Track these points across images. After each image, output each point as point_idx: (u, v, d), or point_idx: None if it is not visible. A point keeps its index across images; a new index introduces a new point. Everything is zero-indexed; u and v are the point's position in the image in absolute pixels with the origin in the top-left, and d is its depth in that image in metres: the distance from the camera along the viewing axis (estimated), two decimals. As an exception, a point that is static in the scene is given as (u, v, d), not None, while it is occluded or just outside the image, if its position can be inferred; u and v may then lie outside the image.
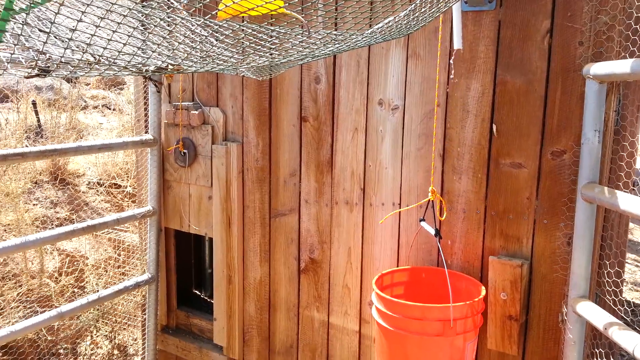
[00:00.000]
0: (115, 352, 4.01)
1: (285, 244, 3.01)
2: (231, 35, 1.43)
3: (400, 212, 2.57)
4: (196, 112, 3.14)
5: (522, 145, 2.21)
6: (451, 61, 2.31)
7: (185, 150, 3.26)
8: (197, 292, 3.97)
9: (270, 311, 3.14)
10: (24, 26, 1.20)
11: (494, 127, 2.26)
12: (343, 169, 2.73)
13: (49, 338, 3.70)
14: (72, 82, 6.38)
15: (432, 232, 2.31)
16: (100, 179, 5.01)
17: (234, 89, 3.06)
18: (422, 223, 2.39)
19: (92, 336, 4.00)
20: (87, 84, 7.12)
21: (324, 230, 2.84)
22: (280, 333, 3.12)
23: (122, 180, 5.11)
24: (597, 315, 1.89)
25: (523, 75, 2.17)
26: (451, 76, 2.33)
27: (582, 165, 1.97)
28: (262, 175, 3.03)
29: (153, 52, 1.40)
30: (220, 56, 1.49)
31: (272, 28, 1.42)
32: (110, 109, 6.61)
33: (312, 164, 2.84)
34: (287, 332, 3.09)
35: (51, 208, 4.41)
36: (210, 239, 3.60)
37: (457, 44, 2.07)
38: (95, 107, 6.57)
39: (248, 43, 1.44)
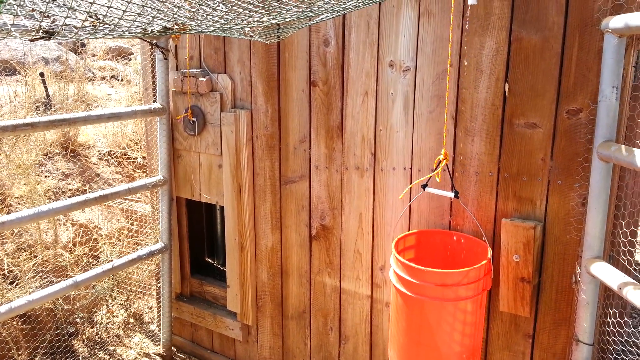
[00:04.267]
0: (131, 320, 4.09)
1: (296, 210, 3.01)
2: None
3: (411, 175, 2.54)
4: (204, 79, 3.11)
5: (537, 105, 2.16)
6: (466, 18, 2.25)
7: (194, 119, 3.24)
8: (209, 260, 4.01)
9: (282, 278, 3.16)
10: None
11: (506, 86, 2.21)
12: (353, 133, 2.70)
13: (66, 307, 3.76)
14: (78, 53, 6.33)
15: (445, 194, 2.29)
16: (110, 151, 5.02)
17: (241, 54, 3.01)
18: (428, 189, 2.36)
19: (107, 305, 4.07)
20: (94, 55, 7.07)
21: (335, 196, 2.83)
22: (292, 299, 3.15)
23: (133, 151, 5.12)
24: (611, 276, 1.87)
25: (539, 31, 2.10)
26: (465, 34, 2.27)
27: (598, 124, 1.93)
28: (272, 142, 3.01)
29: (158, 11, 1.36)
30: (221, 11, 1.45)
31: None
32: (118, 80, 6.58)
33: (322, 130, 2.81)
34: (299, 297, 3.12)
35: (63, 180, 4.43)
36: (222, 208, 3.61)
37: None
38: (103, 78, 6.54)
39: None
